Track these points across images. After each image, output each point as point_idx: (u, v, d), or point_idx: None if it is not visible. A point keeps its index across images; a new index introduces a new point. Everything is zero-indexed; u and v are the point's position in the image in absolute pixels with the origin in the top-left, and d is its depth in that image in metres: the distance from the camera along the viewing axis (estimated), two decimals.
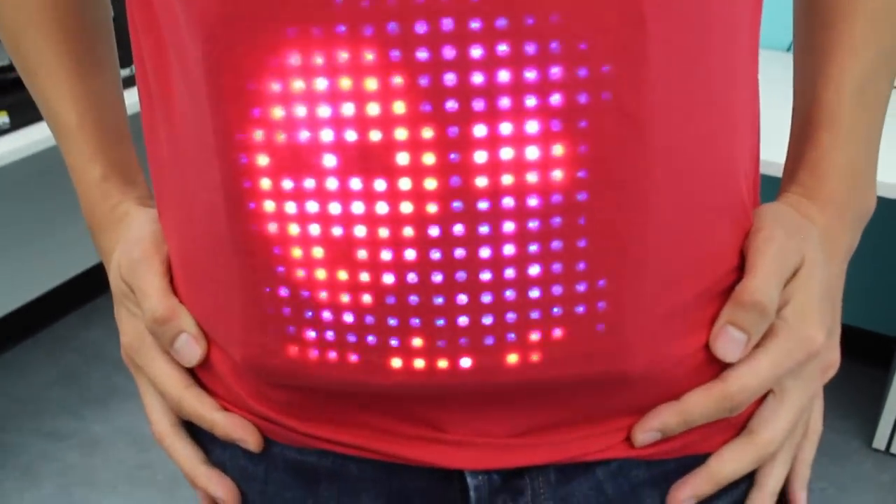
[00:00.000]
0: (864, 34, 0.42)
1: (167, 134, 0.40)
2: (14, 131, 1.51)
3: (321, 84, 0.32)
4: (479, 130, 0.32)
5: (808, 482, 0.45)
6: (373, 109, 0.32)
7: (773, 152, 0.64)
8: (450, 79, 0.31)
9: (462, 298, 0.34)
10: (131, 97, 0.56)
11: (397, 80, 0.31)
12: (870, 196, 0.45)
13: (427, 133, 0.32)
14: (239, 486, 0.46)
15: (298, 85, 0.32)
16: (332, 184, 0.33)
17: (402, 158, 0.32)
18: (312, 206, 0.34)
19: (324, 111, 0.32)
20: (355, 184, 0.33)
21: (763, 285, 0.39)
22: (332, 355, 0.37)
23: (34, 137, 1.49)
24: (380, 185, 0.33)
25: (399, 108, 0.32)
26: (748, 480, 0.43)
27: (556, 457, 0.40)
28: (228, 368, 0.42)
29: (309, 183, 0.34)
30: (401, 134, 0.32)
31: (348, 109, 0.32)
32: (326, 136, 0.33)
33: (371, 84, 0.32)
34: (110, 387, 2.00)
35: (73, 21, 0.48)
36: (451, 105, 0.31)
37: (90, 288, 2.31)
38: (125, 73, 1.59)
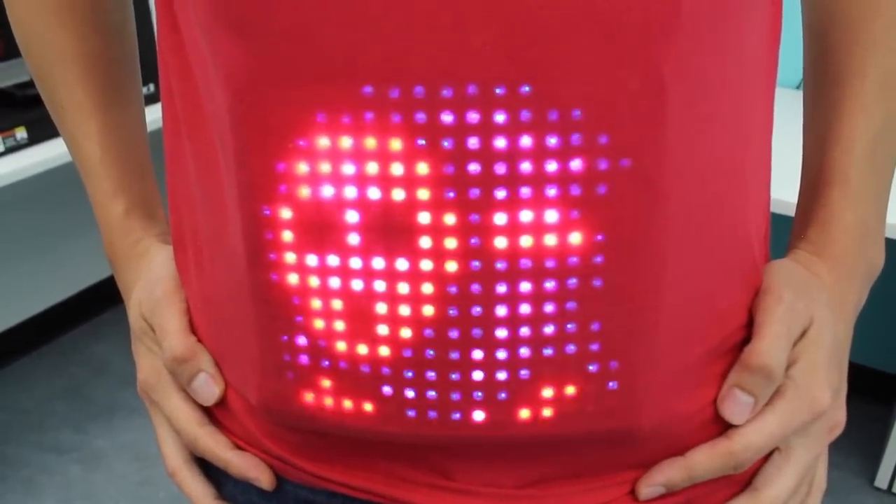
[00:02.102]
0: (874, 94, 0.43)
1: (196, 168, 0.40)
2: (32, 146, 1.52)
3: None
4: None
5: None
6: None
7: (783, 191, 0.64)
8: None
9: (477, 354, 0.35)
10: (150, 114, 0.56)
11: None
12: (878, 253, 0.46)
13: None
14: None
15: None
16: (353, 239, 0.34)
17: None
18: (333, 260, 0.35)
19: (350, 192, 0.34)
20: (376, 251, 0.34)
21: (770, 348, 0.39)
22: (348, 404, 0.37)
23: (51, 153, 1.50)
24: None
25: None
26: None
27: None
28: (243, 407, 0.43)
29: (331, 238, 0.35)
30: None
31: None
32: (350, 193, 0.34)
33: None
34: (114, 402, 2.00)
35: (101, 57, 0.49)
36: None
37: (98, 302, 2.31)
38: (144, 91, 1.61)
